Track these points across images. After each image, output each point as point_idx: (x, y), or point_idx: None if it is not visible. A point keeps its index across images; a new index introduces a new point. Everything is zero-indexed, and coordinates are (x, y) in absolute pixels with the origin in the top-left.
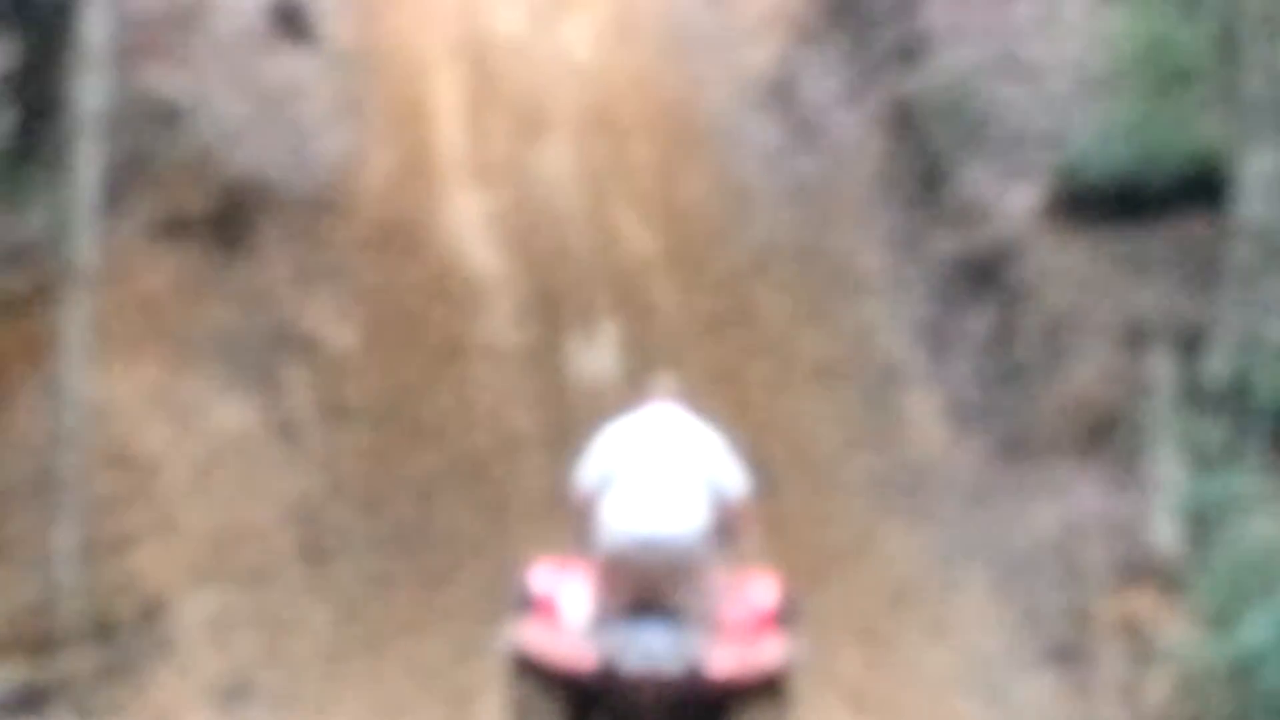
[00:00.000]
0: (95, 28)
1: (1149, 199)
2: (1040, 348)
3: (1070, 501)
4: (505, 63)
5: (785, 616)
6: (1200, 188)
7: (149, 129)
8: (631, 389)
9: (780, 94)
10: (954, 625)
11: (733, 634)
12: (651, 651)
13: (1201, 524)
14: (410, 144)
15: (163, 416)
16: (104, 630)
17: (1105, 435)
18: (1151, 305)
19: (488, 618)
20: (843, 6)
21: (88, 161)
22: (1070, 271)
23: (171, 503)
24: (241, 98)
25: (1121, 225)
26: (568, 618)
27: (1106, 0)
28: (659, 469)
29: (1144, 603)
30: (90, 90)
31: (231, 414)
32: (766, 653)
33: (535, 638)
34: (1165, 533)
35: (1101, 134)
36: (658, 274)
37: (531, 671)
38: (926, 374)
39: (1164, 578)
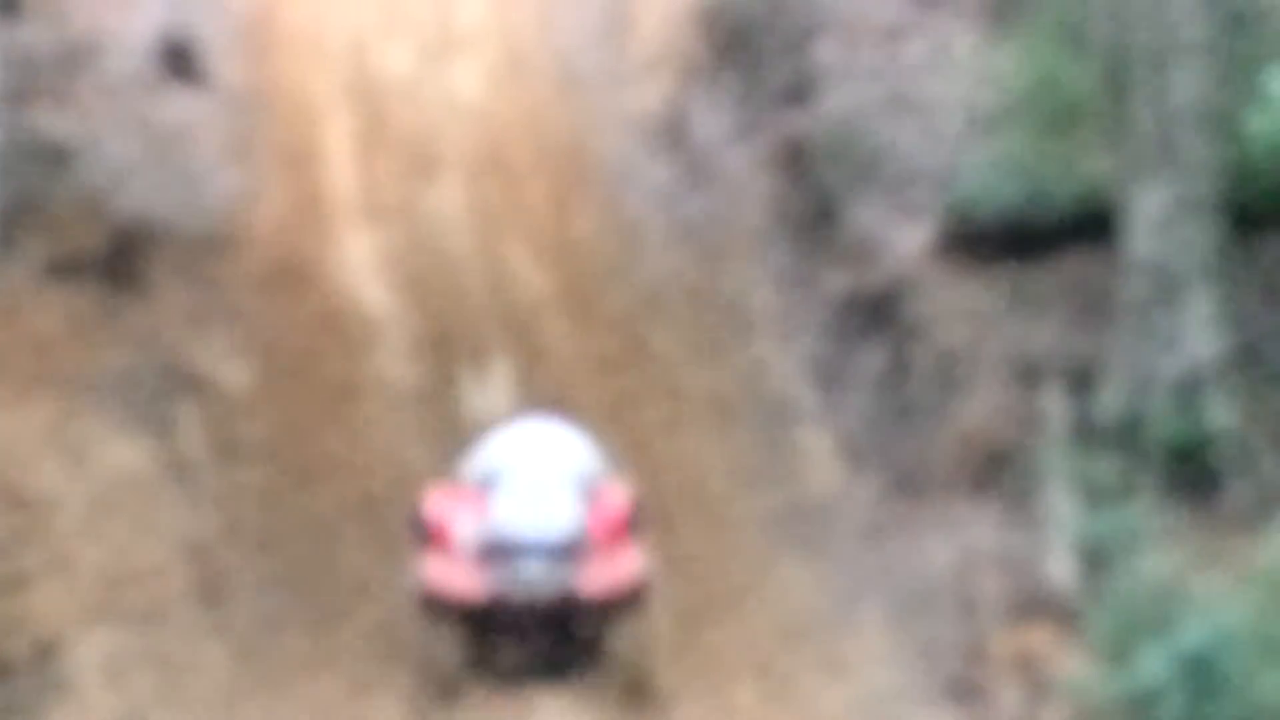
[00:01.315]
0: None
1: (1039, 236)
2: (933, 385)
3: (965, 537)
4: (396, 103)
5: (635, 522)
6: (1090, 224)
7: (39, 171)
8: None
9: (671, 133)
10: (850, 662)
11: (596, 555)
12: (532, 582)
13: (1096, 559)
14: (301, 185)
15: (55, 456)
16: None
17: (999, 471)
18: (1043, 342)
19: (384, 655)
20: (733, 45)
21: None
22: (962, 309)
23: (65, 542)
24: (132, 139)
25: (1012, 262)
26: (460, 543)
27: (995, 39)
28: (537, 472)
29: (1039, 638)
30: None
31: (125, 454)
32: (626, 569)
33: (435, 574)
34: (1060, 568)
35: (991, 171)
36: (550, 313)
37: (433, 602)
38: (819, 412)
39: (1059, 613)
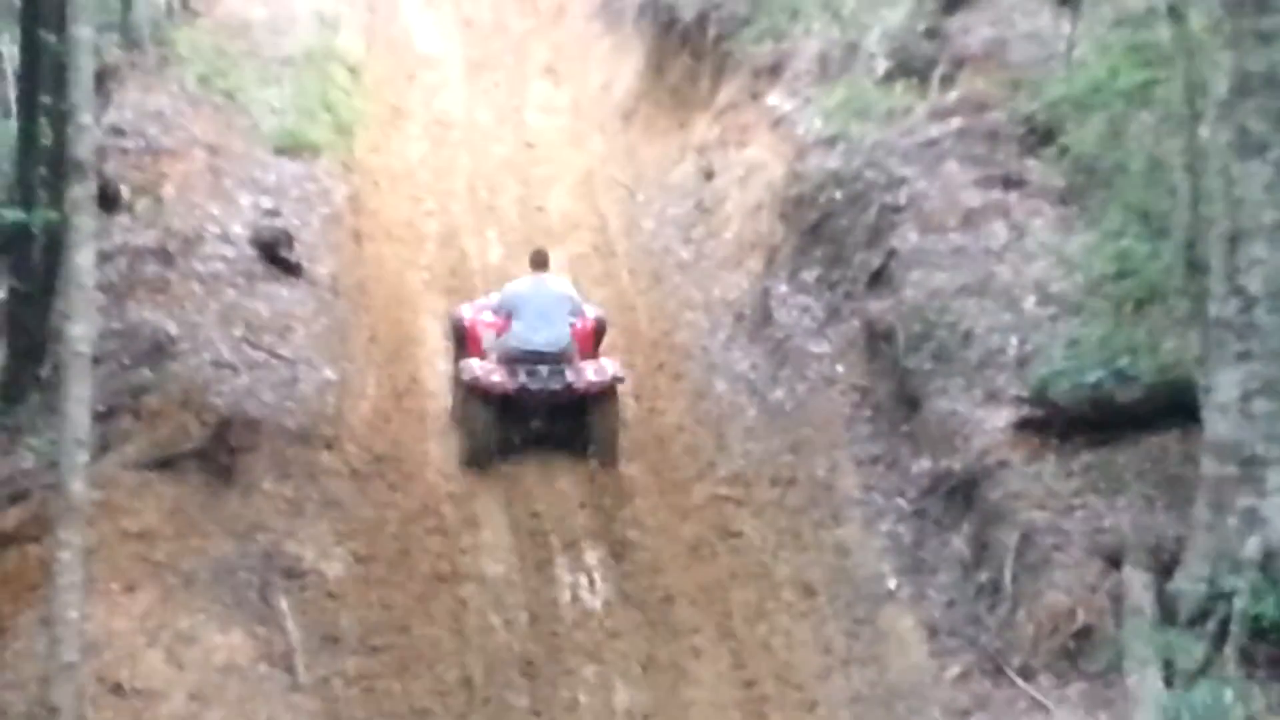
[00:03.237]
0: (84, 263)
1: (1119, 417)
2: (1016, 566)
3: (1050, 719)
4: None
5: (598, 334)
6: (1170, 405)
7: (138, 363)
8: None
9: (756, 321)
10: None
11: (581, 361)
12: (542, 380)
13: None
14: (397, 374)
15: (158, 648)
16: None
17: (1082, 652)
18: (1126, 522)
19: None
20: (816, 234)
21: (80, 396)
22: (1043, 490)
23: None
24: (230, 331)
25: (1094, 443)
26: (491, 353)
27: (1072, 221)
28: (541, 304)
29: None
30: (80, 325)
31: (226, 645)
32: (604, 371)
33: (476, 374)
34: None
35: (1070, 354)
36: (640, 501)
37: (474, 390)
38: (904, 594)
39: None
